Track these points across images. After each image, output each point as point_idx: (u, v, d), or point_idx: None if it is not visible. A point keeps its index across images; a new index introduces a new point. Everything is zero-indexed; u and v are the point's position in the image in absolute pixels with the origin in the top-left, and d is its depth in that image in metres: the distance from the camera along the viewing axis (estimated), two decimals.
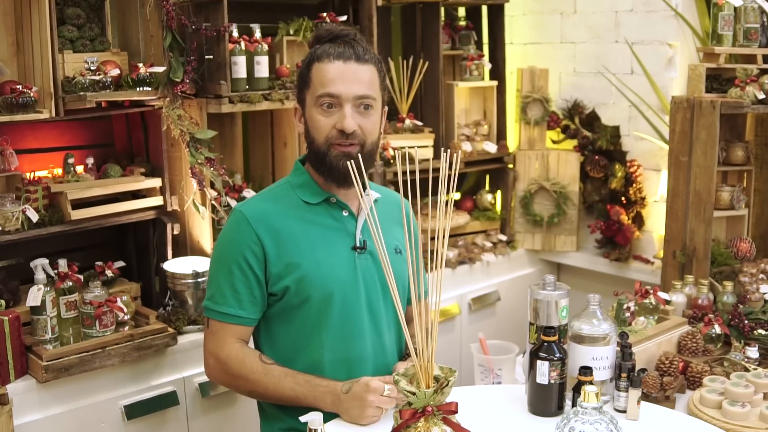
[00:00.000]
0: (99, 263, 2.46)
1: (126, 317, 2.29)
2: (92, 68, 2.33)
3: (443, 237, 1.40)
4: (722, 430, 1.65)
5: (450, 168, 1.41)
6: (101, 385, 2.20)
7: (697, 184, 2.60)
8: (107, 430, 2.19)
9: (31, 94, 2.18)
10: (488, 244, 3.40)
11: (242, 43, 2.57)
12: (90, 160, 2.51)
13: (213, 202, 2.51)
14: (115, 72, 2.39)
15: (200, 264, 2.50)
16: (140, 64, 2.43)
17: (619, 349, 1.76)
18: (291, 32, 2.84)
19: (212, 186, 2.48)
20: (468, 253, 3.32)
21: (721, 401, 1.76)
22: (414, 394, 1.36)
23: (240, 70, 2.56)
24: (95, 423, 2.16)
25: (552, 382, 1.65)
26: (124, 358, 2.20)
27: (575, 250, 3.52)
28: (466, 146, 3.30)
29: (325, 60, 1.73)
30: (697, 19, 3.20)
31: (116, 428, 2.20)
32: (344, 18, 2.85)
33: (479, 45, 3.57)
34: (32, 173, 2.41)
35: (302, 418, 1.48)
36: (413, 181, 1.37)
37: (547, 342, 1.66)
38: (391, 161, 3.02)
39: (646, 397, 1.81)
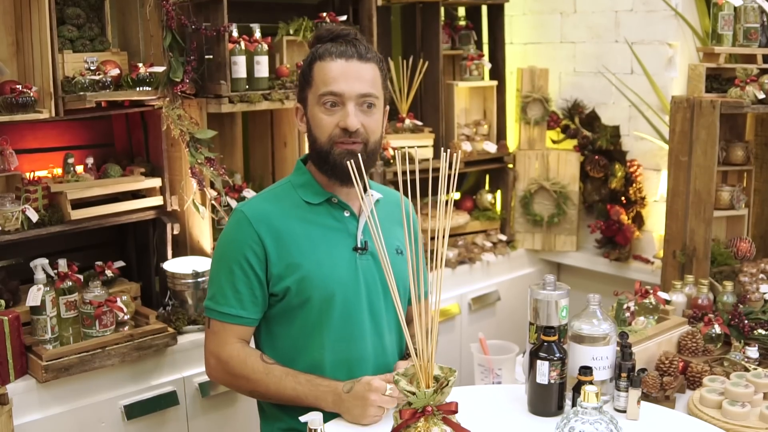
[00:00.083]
0: (99, 263, 2.46)
1: (126, 317, 2.29)
2: (92, 68, 2.33)
3: (443, 237, 1.39)
4: (722, 430, 1.65)
5: (450, 168, 1.41)
6: (101, 385, 2.20)
7: (697, 184, 2.60)
8: (107, 430, 2.19)
9: (31, 94, 2.17)
10: (488, 244, 3.40)
11: (242, 43, 2.57)
12: (90, 160, 2.51)
13: (213, 202, 2.51)
14: (115, 72, 2.39)
15: (200, 264, 2.50)
16: (140, 64, 2.43)
17: (619, 349, 1.76)
18: (291, 32, 2.84)
19: (212, 186, 2.48)
20: (468, 252, 3.32)
21: (721, 401, 1.76)
22: (414, 394, 1.36)
23: (240, 70, 2.56)
24: (95, 423, 2.16)
25: (552, 382, 1.65)
26: (124, 358, 2.20)
27: (575, 250, 3.52)
28: (466, 146, 3.30)
29: (327, 58, 1.72)
30: (697, 18, 3.20)
31: (116, 428, 2.20)
32: (344, 18, 2.85)
33: (479, 45, 3.57)
34: (32, 173, 2.41)
35: (302, 418, 1.48)
36: (413, 181, 1.37)
37: (547, 342, 1.66)
38: (391, 161, 3.02)
39: (646, 397, 1.81)
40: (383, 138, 1.99)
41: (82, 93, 2.26)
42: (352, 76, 1.71)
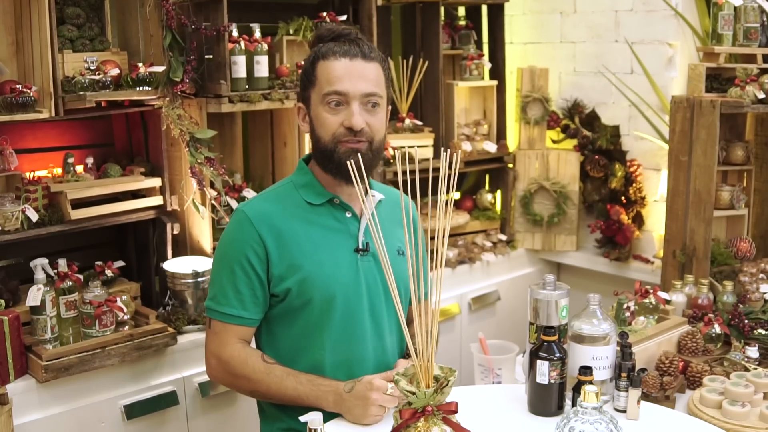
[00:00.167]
0: (99, 263, 2.46)
1: (126, 317, 2.29)
2: (92, 68, 2.33)
3: (443, 237, 1.39)
4: (722, 430, 1.64)
5: (450, 167, 1.41)
6: (101, 385, 2.20)
7: (697, 183, 2.60)
8: (107, 430, 2.19)
9: (31, 94, 2.17)
10: (488, 244, 3.40)
11: (242, 43, 2.57)
12: (90, 160, 2.50)
13: (213, 201, 2.51)
14: (115, 72, 2.39)
15: (200, 264, 2.50)
16: (140, 64, 2.43)
17: (619, 348, 1.76)
18: (291, 32, 2.84)
19: (212, 186, 2.48)
20: (468, 252, 3.32)
21: (721, 401, 1.76)
22: (414, 393, 1.36)
23: (240, 70, 2.56)
24: (95, 423, 2.16)
25: (552, 381, 1.65)
26: (124, 358, 2.20)
27: (575, 250, 3.52)
28: (466, 146, 3.30)
29: (331, 58, 1.72)
30: (697, 18, 3.20)
31: (116, 428, 2.20)
32: (344, 17, 2.85)
33: (479, 44, 3.57)
34: (32, 173, 2.41)
35: (302, 418, 1.48)
36: (413, 181, 1.36)
37: (547, 342, 1.66)
38: (391, 161, 3.02)
39: (646, 396, 1.80)
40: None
41: (82, 93, 2.26)
42: (356, 76, 1.70)
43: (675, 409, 1.82)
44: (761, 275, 2.48)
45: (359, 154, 1.58)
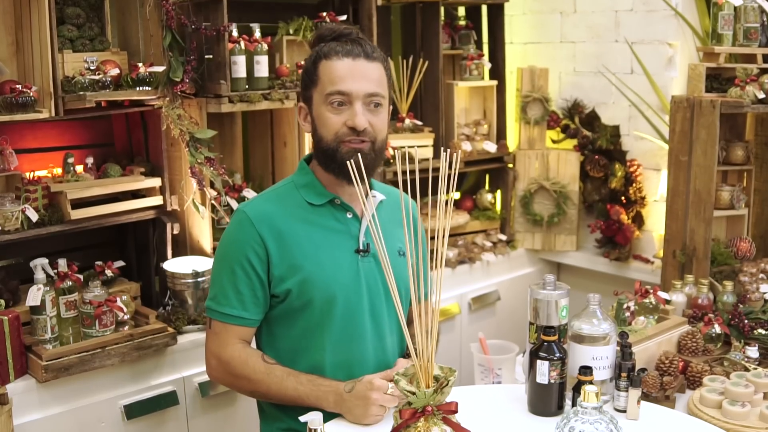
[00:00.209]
0: (99, 263, 2.46)
1: (126, 317, 2.29)
2: (92, 68, 2.33)
3: (443, 236, 1.39)
4: (722, 429, 1.64)
5: (450, 167, 1.41)
6: (101, 385, 2.20)
7: (697, 183, 2.60)
8: (107, 429, 2.19)
9: (31, 94, 2.17)
10: (488, 244, 3.40)
11: (242, 43, 2.57)
12: (90, 160, 2.50)
13: (213, 201, 2.51)
14: (115, 71, 2.39)
15: (200, 264, 2.50)
16: (140, 64, 2.43)
17: (619, 348, 1.76)
18: (291, 32, 2.84)
19: (212, 186, 2.48)
20: (468, 252, 3.32)
21: (721, 401, 1.76)
22: (414, 393, 1.36)
23: (240, 70, 2.56)
24: (95, 423, 2.16)
25: (552, 381, 1.65)
26: (124, 358, 2.20)
27: (575, 250, 3.52)
28: (466, 146, 3.30)
29: (333, 57, 1.71)
30: (697, 18, 3.20)
31: (116, 428, 2.20)
32: (344, 17, 2.85)
33: (479, 44, 3.57)
34: (32, 173, 2.41)
35: (302, 418, 1.48)
36: (413, 181, 1.36)
37: (547, 342, 1.66)
38: (391, 161, 3.02)
39: (646, 396, 1.80)
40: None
41: (81, 93, 2.26)
42: (359, 76, 1.70)
43: (675, 409, 1.82)
44: (761, 275, 2.48)
45: (362, 155, 1.58)
